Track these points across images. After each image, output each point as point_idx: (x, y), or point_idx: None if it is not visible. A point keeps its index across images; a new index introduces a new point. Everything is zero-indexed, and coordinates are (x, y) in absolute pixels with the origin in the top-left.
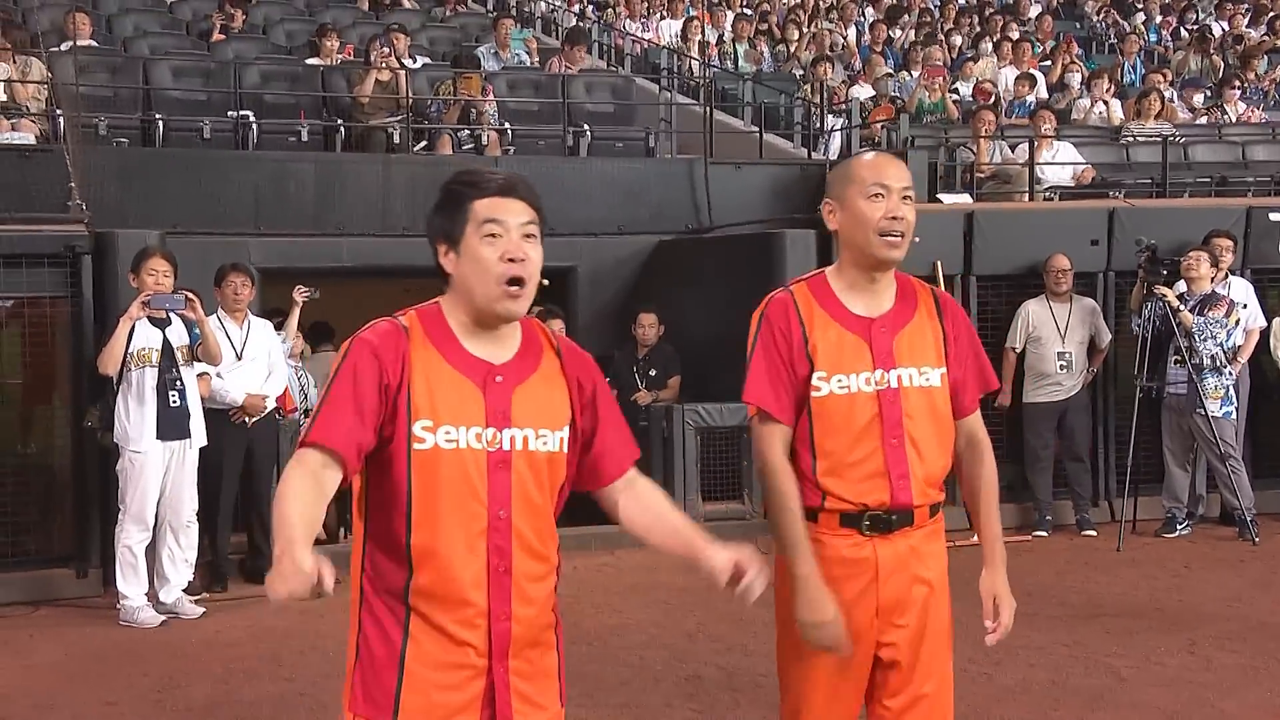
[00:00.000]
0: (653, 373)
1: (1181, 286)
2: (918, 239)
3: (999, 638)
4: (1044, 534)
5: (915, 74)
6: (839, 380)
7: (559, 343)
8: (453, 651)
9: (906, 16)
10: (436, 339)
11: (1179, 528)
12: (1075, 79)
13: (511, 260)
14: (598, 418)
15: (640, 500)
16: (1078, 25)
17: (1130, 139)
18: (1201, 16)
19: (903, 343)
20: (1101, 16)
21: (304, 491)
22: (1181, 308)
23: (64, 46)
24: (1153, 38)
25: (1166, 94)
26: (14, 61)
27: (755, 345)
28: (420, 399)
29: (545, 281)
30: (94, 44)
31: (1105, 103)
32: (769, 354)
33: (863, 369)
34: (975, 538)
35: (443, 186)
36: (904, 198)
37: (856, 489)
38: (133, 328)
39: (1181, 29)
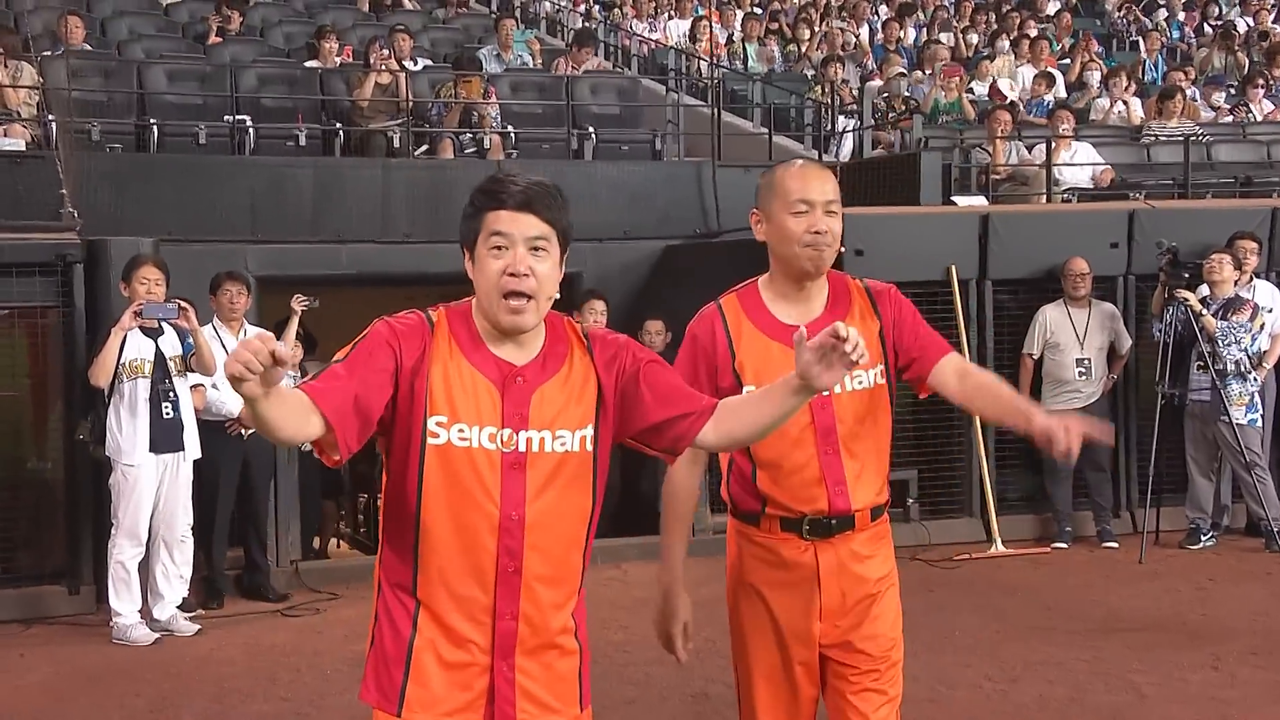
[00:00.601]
0: None
1: (1204, 290)
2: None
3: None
4: (1064, 546)
5: (929, 73)
6: None
7: (590, 336)
8: (458, 648)
9: (920, 14)
10: (461, 337)
11: (1203, 539)
12: (1094, 77)
13: (512, 275)
14: (648, 389)
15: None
16: (1098, 22)
17: (1152, 139)
18: (1226, 12)
19: None
20: (1122, 13)
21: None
22: (1204, 312)
23: (57, 50)
24: (1175, 34)
25: (1189, 92)
26: (5, 66)
27: (677, 359)
28: (437, 394)
29: (557, 295)
30: (88, 48)
31: (1125, 102)
32: (689, 372)
33: None
34: (991, 549)
35: (471, 192)
36: (828, 211)
37: (794, 496)
38: (124, 338)
39: (1205, 25)
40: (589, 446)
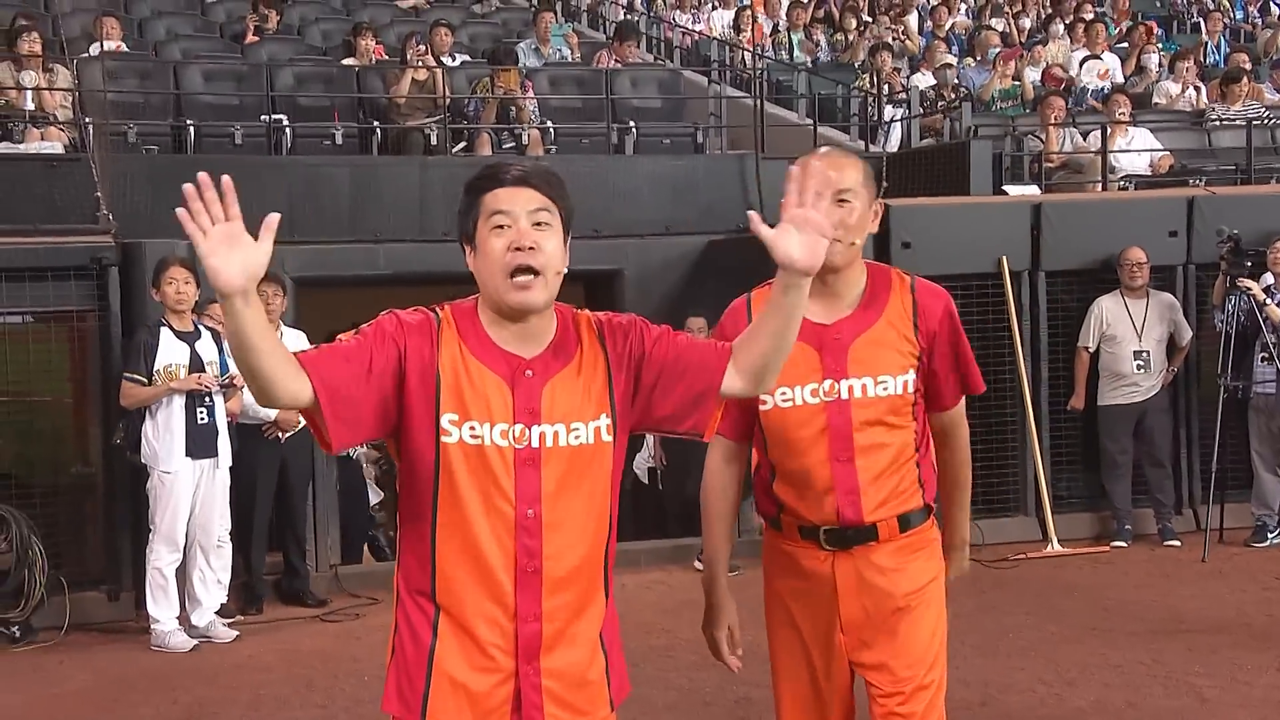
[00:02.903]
0: None
1: (1268, 279)
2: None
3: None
4: (1123, 544)
5: (979, 59)
6: (782, 393)
7: (599, 322)
8: (480, 654)
9: (973, 1)
10: (467, 333)
11: (1270, 536)
12: (1153, 60)
13: (518, 250)
14: (645, 376)
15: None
16: (1157, 4)
17: (1214, 123)
18: None
19: (860, 350)
20: None
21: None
22: (1268, 301)
23: (93, 51)
24: (1239, 15)
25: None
26: (42, 69)
27: None
28: (448, 391)
29: (563, 271)
30: (124, 48)
31: (1196, 87)
32: None
33: (810, 380)
34: (1047, 549)
35: (466, 184)
36: (840, 200)
37: (806, 504)
38: (159, 342)
39: (1271, 4)
40: (605, 437)
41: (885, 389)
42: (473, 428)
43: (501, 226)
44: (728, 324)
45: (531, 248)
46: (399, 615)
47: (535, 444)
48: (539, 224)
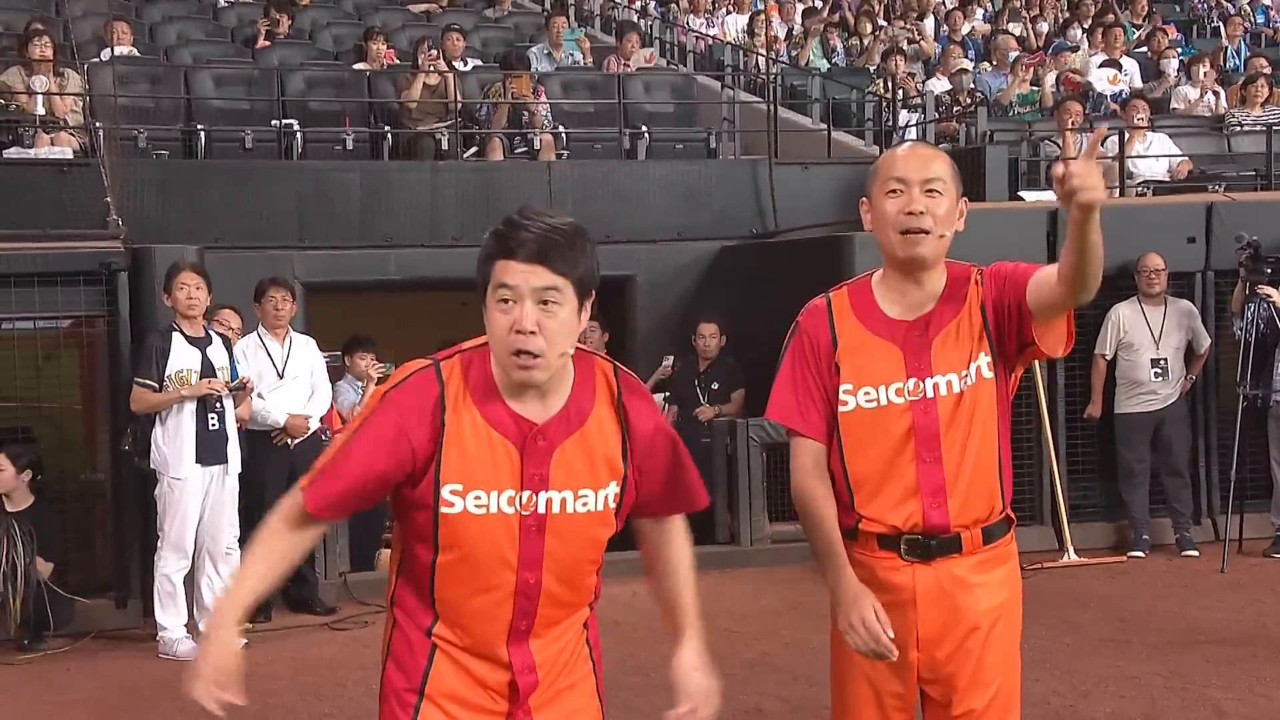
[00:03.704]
0: (715, 386)
1: None
2: (950, 232)
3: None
4: (1140, 554)
5: (994, 65)
6: (866, 393)
7: (619, 380)
8: (475, 689)
9: (990, 4)
10: (477, 393)
11: None
12: (1171, 65)
13: (518, 332)
14: (662, 463)
15: (671, 550)
16: (1177, 8)
17: (1236, 128)
18: None
19: (943, 346)
20: None
21: (274, 550)
22: None
23: (104, 56)
24: (1259, 19)
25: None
26: (53, 73)
27: (784, 355)
28: (451, 461)
29: (570, 350)
30: (135, 53)
31: (1215, 92)
32: (797, 366)
33: (894, 379)
34: (1063, 559)
35: (490, 231)
36: (928, 191)
37: (888, 510)
38: (170, 348)
39: None
40: (612, 504)
41: (969, 382)
42: (478, 497)
43: (506, 301)
44: (809, 327)
45: (533, 332)
46: (394, 637)
47: (542, 510)
48: (545, 302)
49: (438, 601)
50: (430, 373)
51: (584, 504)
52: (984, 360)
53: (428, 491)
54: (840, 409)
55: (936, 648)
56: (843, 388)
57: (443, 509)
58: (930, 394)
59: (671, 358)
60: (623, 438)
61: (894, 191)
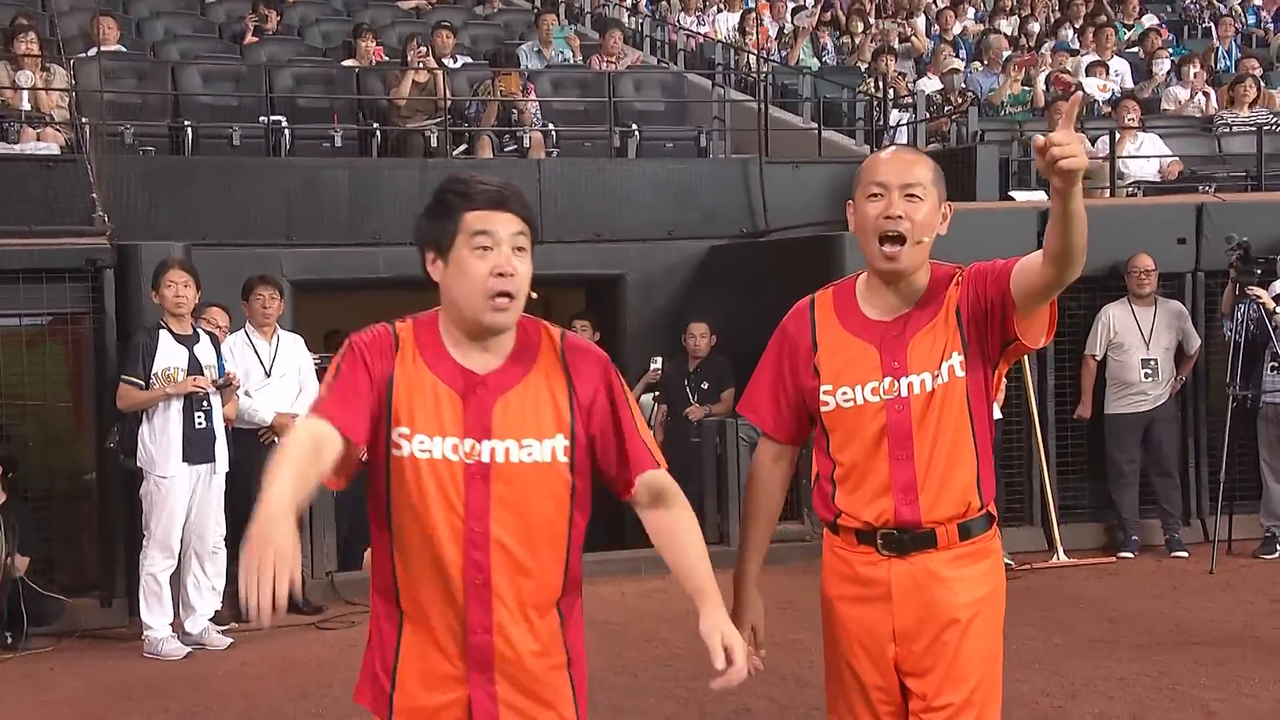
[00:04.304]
0: (705, 386)
1: (1277, 287)
2: (936, 234)
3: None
4: (1130, 555)
5: (986, 64)
6: (843, 393)
7: (564, 341)
8: (436, 657)
9: (981, 3)
10: (425, 346)
11: (1279, 548)
12: (1162, 66)
13: (501, 275)
14: (603, 423)
15: (663, 523)
16: (1168, 8)
17: (1225, 129)
18: None
19: (918, 346)
20: None
21: (303, 450)
22: (1278, 309)
23: (91, 52)
24: (1250, 20)
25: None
26: (39, 68)
27: (765, 355)
28: (400, 405)
29: (533, 294)
30: (122, 49)
31: (1205, 93)
32: (774, 366)
33: (869, 378)
34: (1052, 559)
35: (435, 192)
36: (908, 195)
37: (862, 506)
38: (157, 346)
39: None
40: (561, 458)
41: (942, 379)
42: (422, 441)
43: (485, 248)
44: (790, 329)
45: (513, 273)
46: (372, 611)
47: (485, 459)
48: (518, 248)
49: (398, 564)
50: (386, 327)
51: (529, 453)
52: (956, 359)
53: (381, 436)
54: (822, 409)
55: (914, 641)
56: (823, 389)
57: (393, 451)
58: (904, 393)
59: (660, 360)
60: (569, 392)
61: (874, 195)
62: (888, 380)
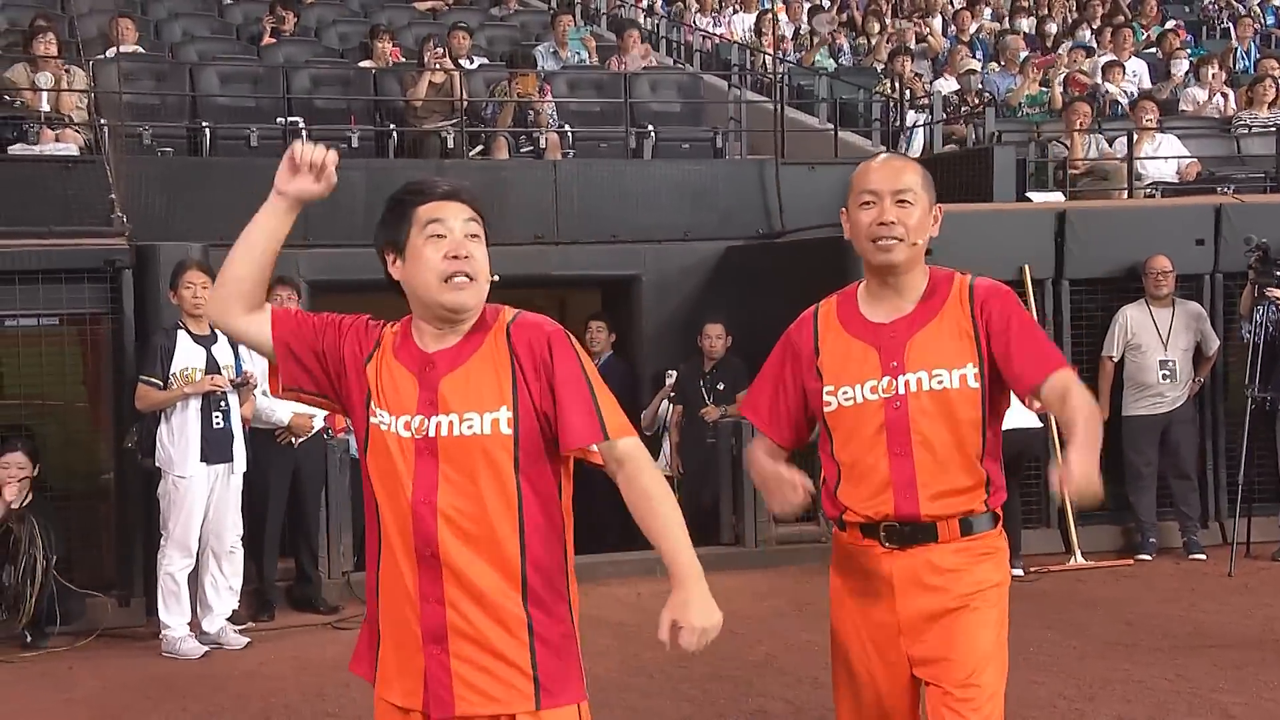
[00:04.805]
0: (721, 387)
1: None
2: (925, 237)
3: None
4: (1148, 558)
5: (1003, 65)
6: (844, 392)
7: (514, 319)
8: (404, 628)
9: (995, 5)
10: (399, 340)
11: None
12: (1180, 67)
13: (455, 257)
14: (552, 390)
15: (632, 488)
16: (1186, 9)
17: (1244, 130)
18: None
19: (917, 346)
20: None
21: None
22: None
23: (109, 53)
24: (1269, 20)
25: None
26: (59, 70)
27: (769, 359)
28: (373, 386)
29: (495, 276)
30: (140, 50)
31: (1224, 94)
32: (776, 371)
33: (868, 377)
34: (1070, 562)
35: (388, 200)
36: (899, 201)
37: (866, 501)
38: (175, 345)
39: None
40: (505, 430)
41: (941, 382)
42: (383, 416)
43: (438, 235)
44: (794, 335)
45: (467, 256)
46: (366, 584)
47: (433, 434)
48: (471, 235)
49: (374, 538)
50: (380, 323)
51: (469, 426)
52: (971, 370)
53: (362, 409)
54: (825, 409)
55: (918, 631)
56: (825, 390)
57: (370, 419)
58: (902, 391)
59: (675, 373)
60: (512, 365)
61: (867, 203)
62: (886, 379)
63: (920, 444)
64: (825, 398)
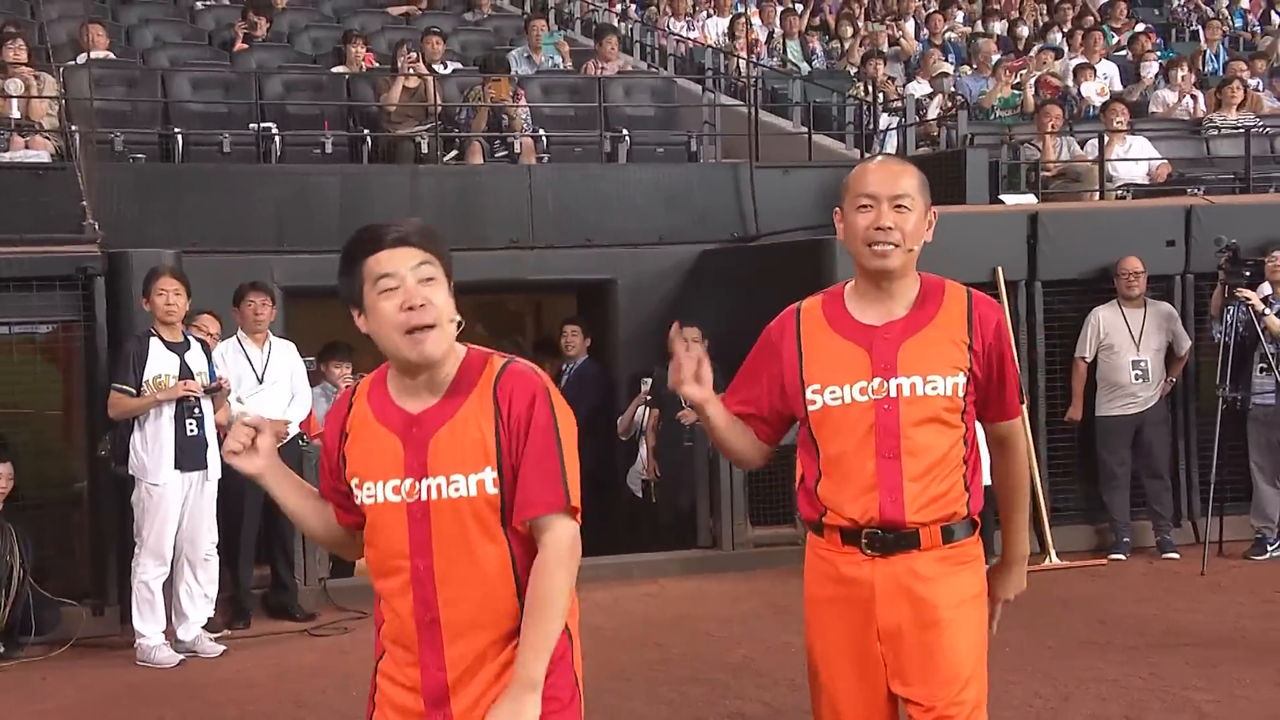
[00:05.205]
0: None
1: (1266, 289)
2: (924, 241)
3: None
4: (1121, 557)
5: (975, 68)
6: (831, 392)
7: (502, 370)
8: (404, 691)
9: (970, 6)
10: (374, 396)
11: (1269, 549)
12: (1150, 69)
13: (410, 309)
14: (522, 452)
15: (534, 570)
16: (1156, 12)
17: (1213, 131)
18: None
19: (910, 350)
20: (1183, 2)
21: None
22: (1267, 311)
23: (80, 59)
24: (1238, 23)
25: (1252, 82)
26: (29, 76)
27: (748, 357)
28: (353, 458)
29: (459, 320)
30: (111, 56)
31: (1193, 96)
32: (752, 367)
33: (859, 378)
34: (1044, 562)
35: (341, 253)
36: (896, 206)
37: (848, 502)
38: (148, 351)
39: (1272, 13)
40: (490, 489)
41: (934, 389)
42: (369, 488)
43: (391, 289)
44: (773, 333)
45: (423, 305)
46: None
47: (424, 497)
48: (425, 279)
49: (378, 601)
50: (347, 390)
51: (456, 489)
52: (961, 379)
53: (346, 486)
54: (809, 409)
55: (898, 641)
56: (810, 388)
57: (359, 497)
58: (894, 394)
59: (649, 381)
60: (496, 422)
61: (864, 207)
62: (877, 380)
63: (908, 449)
64: (810, 396)
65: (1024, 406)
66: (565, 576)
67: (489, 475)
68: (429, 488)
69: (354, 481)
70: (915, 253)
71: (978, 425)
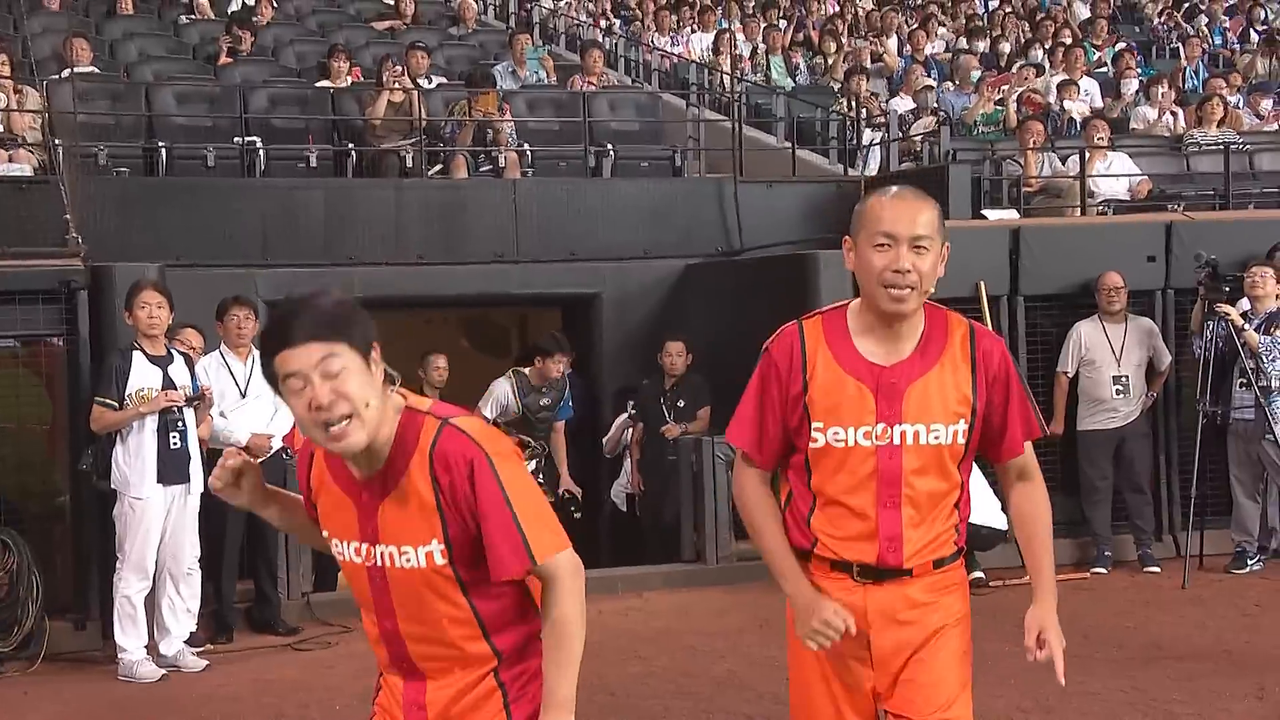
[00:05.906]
0: (681, 404)
1: (1245, 304)
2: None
3: (1045, 659)
4: (1103, 571)
5: (957, 84)
6: (835, 433)
7: (436, 439)
8: (398, 708)
9: (951, 22)
10: (331, 460)
11: (1249, 563)
12: (1131, 86)
13: (318, 409)
14: (475, 524)
15: (547, 616)
16: (1136, 29)
17: (1194, 148)
18: (1271, 18)
19: (915, 396)
20: (1163, 19)
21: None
22: (1246, 327)
23: (64, 73)
24: (1217, 40)
25: (1231, 99)
26: (12, 90)
27: (752, 381)
28: (321, 513)
29: (368, 405)
30: (95, 70)
31: (1174, 112)
32: (762, 397)
33: (863, 421)
34: (1026, 576)
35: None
36: (915, 247)
37: (846, 547)
38: (131, 366)
39: (1251, 31)
40: (439, 560)
41: (937, 438)
42: (338, 545)
43: (298, 389)
44: (779, 356)
45: (329, 402)
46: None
47: (379, 563)
48: (329, 374)
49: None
50: (308, 440)
51: (407, 560)
52: (963, 426)
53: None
54: (811, 445)
55: (890, 664)
56: (814, 425)
57: (330, 542)
58: (897, 441)
59: (632, 405)
60: (435, 495)
61: (882, 246)
62: (881, 426)
63: (909, 497)
64: (813, 434)
65: (1044, 430)
66: (574, 602)
67: (436, 548)
68: (381, 554)
69: (325, 534)
70: (930, 291)
71: (974, 465)
